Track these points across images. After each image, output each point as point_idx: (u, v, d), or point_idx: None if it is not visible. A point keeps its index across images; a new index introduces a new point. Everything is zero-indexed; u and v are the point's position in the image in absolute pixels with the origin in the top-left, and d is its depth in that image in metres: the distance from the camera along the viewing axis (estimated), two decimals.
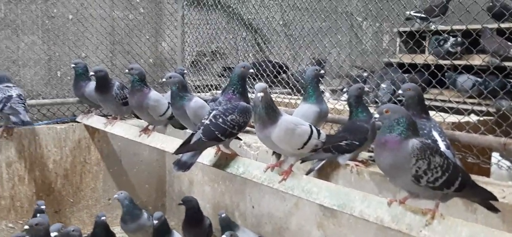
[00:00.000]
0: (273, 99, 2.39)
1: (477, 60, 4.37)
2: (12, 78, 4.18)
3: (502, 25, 3.73)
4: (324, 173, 2.88)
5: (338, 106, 3.65)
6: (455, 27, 3.83)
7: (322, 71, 3.04)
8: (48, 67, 4.71)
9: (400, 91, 2.61)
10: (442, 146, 2.35)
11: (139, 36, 5.16)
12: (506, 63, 4.21)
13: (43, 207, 3.59)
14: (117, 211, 4.11)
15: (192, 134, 2.58)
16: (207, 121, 2.55)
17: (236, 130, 2.58)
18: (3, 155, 4.18)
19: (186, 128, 3.47)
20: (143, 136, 3.54)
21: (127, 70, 3.41)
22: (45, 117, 4.64)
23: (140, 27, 5.17)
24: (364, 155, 2.99)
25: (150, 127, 3.56)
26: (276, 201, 3.56)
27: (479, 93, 4.16)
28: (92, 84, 3.99)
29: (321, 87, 3.56)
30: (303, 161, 2.84)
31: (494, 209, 1.98)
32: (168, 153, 3.72)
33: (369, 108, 2.89)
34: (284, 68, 4.95)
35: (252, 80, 4.16)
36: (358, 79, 3.70)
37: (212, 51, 5.39)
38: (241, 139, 3.38)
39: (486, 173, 2.84)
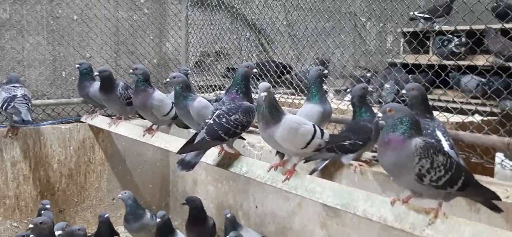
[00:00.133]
0: (277, 99, 2.39)
1: (481, 60, 4.36)
2: (20, 79, 4.20)
3: (506, 25, 3.72)
4: (327, 173, 2.89)
5: (342, 106, 3.65)
6: (459, 27, 3.83)
7: (326, 71, 3.04)
8: (53, 67, 4.73)
9: (403, 91, 2.62)
10: (445, 145, 2.35)
11: (143, 37, 5.17)
12: (510, 63, 4.20)
13: (48, 206, 3.61)
14: (121, 210, 4.12)
15: (196, 134, 2.59)
16: (210, 121, 2.56)
17: (239, 130, 2.58)
18: (8, 154, 4.20)
19: (190, 128, 3.48)
20: (147, 136, 3.55)
21: (131, 70, 3.42)
22: (50, 117, 4.66)
23: (144, 27, 5.19)
24: (367, 155, 3.00)
25: (154, 127, 3.57)
26: (280, 201, 3.57)
27: (483, 93, 4.15)
28: (96, 84, 4.01)
29: (325, 87, 3.56)
30: (306, 160, 2.85)
31: (497, 209, 1.98)
32: (172, 153, 3.74)
33: (372, 108, 2.90)
34: (288, 68, 4.95)
35: (255, 80, 4.17)
36: (361, 79, 3.69)
37: (216, 52, 5.40)
38: (244, 139, 3.39)
39: (490, 173, 2.84)
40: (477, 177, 2.18)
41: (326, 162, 2.89)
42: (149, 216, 3.76)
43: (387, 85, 4.23)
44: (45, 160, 4.38)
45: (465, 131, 2.82)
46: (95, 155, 4.62)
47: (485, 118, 3.06)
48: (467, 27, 3.28)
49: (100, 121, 4.30)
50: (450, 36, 4.89)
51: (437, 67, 3.33)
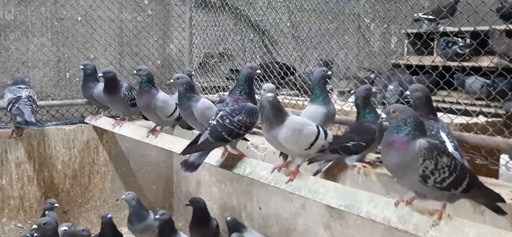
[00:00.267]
0: (280, 100, 2.39)
1: (485, 62, 4.34)
2: (25, 80, 4.22)
3: (511, 26, 3.71)
4: (331, 174, 2.88)
5: (346, 107, 3.65)
6: (464, 28, 3.82)
7: (329, 72, 3.04)
8: (57, 68, 4.75)
9: (407, 92, 2.61)
10: (450, 147, 2.34)
11: (147, 38, 5.19)
12: None
13: (56, 205, 3.64)
14: (125, 211, 4.13)
15: (199, 135, 2.59)
16: (214, 122, 2.56)
17: (243, 131, 2.58)
18: (13, 155, 4.22)
19: (194, 129, 3.48)
20: (151, 137, 3.55)
21: (135, 71, 3.43)
22: (54, 118, 4.68)
23: (148, 29, 5.20)
24: (371, 156, 2.99)
25: (158, 128, 3.58)
26: (283, 202, 3.56)
27: (488, 94, 4.13)
28: (100, 86, 4.02)
29: (328, 88, 3.56)
30: (310, 162, 2.84)
31: (501, 212, 1.97)
32: (175, 154, 3.74)
33: (376, 109, 2.89)
34: (292, 69, 4.95)
35: (259, 81, 4.17)
36: (365, 81, 3.69)
37: (219, 53, 5.41)
38: (248, 140, 3.39)
39: (495, 174, 2.83)
40: (482, 178, 2.17)
41: (330, 163, 2.88)
42: (152, 217, 3.76)
43: (391, 87, 4.23)
44: (49, 161, 4.40)
45: (469, 132, 2.81)
46: (99, 156, 4.63)
47: (489, 120, 3.05)
48: (472, 28, 3.26)
49: (104, 122, 4.31)
50: (455, 38, 4.87)
51: (441, 68, 3.32)
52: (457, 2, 5.02)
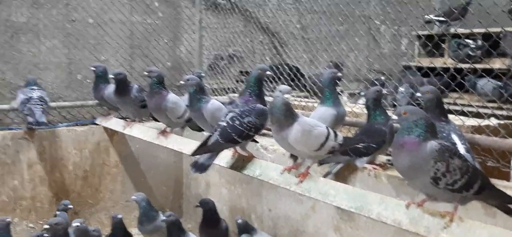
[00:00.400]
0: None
1: (497, 63, 4.31)
2: (38, 82, 4.26)
3: None
4: (341, 176, 2.87)
5: (356, 109, 3.64)
6: (475, 30, 3.79)
7: (340, 74, 3.03)
8: (69, 70, 4.79)
9: (418, 94, 2.60)
10: (461, 149, 2.32)
11: (157, 40, 5.21)
12: None
13: (70, 206, 3.68)
14: (135, 212, 4.14)
15: (209, 136, 2.59)
16: (224, 123, 2.56)
17: (252, 132, 2.58)
18: (25, 156, 4.25)
19: (204, 131, 3.49)
20: (161, 138, 3.56)
21: (145, 73, 3.45)
22: (66, 120, 4.71)
23: (158, 31, 5.23)
24: (382, 158, 2.98)
25: (168, 129, 3.59)
26: (293, 204, 3.56)
27: (500, 96, 4.10)
28: (111, 87, 4.04)
29: (339, 90, 3.54)
30: (320, 164, 2.84)
31: None
32: (185, 155, 3.75)
33: (387, 111, 2.88)
34: (300, 72, 4.94)
35: (268, 83, 4.17)
36: (376, 82, 3.67)
37: (229, 55, 5.42)
38: (257, 142, 3.39)
39: (506, 177, 2.80)
40: (493, 181, 2.15)
41: (340, 165, 2.87)
42: (162, 218, 3.77)
43: (401, 88, 4.20)
44: (60, 162, 4.43)
45: (481, 134, 2.79)
46: (110, 157, 4.65)
47: (501, 122, 3.03)
48: (483, 30, 3.24)
49: (115, 123, 4.33)
50: (467, 40, 4.84)
51: (452, 70, 3.30)
52: (468, 4, 4.98)
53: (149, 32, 5.16)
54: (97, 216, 4.61)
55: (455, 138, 2.40)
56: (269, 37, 5.35)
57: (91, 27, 4.85)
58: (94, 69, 4.19)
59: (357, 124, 3.26)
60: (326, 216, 3.26)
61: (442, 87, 3.33)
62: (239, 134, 2.53)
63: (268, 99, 2.77)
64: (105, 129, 4.56)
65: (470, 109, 3.17)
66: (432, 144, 1.84)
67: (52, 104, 4.52)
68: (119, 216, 3.75)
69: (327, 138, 2.34)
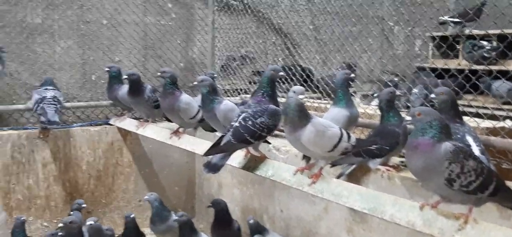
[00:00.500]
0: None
1: None
2: (54, 82, 4.31)
3: None
4: (354, 178, 2.86)
5: (369, 110, 3.62)
6: (490, 31, 3.75)
7: (352, 75, 3.02)
8: (83, 71, 4.84)
9: (432, 95, 2.58)
10: (476, 151, 2.30)
11: (170, 41, 5.24)
12: None
13: (84, 205, 3.71)
14: (148, 212, 4.16)
15: (222, 136, 2.60)
16: (236, 124, 2.57)
17: (265, 133, 2.58)
18: (40, 155, 4.30)
19: (216, 131, 3.50)
20: (174, 139, 3.58)
21: (159, 73, 3.47)
22: (80, 120, 4.76)
23: (171, 32, 5.26)
24: (395, 160, 2.96)
25: (181, 129, 3.61)
26: (305, 205, 3.55)
27: None
28: (125, 88, 4.07)
29: (352, 91, 3.53)
30: (333, 165, 2.83)
31: None
32: (198, 155, 3.77)
33: (400, 112, 2.86)
34: (308, 73, 4.92)
35: (280, 84, 4.17)
36: (389, 84, 3.65)
37: (241, 56, 5.43)
38: (270, 143, 3.39)
39: None
40: (509, 183, 2.12)
41: (353, 167, 2.87)
42: (174, 218, 3.78)
43: (415, 90, 4.17)
44: (74, 162, 4.47)
45: (496, 136, 2.76)
46: (123, 157, 4.69)
47: None
48: (499, 31, 3.20)
49: (128, 123, 4.36)
50: (482, 42, 4.79)
51: (467, 71, 3.27)
52: (483, 4, 4.93)
53: (162, 33, 5.19)
54: (110, 216, 4.65)
55: (469, 139, 2.38)
56: (282, 38, 5.35)
57: (105, 28, 4.90)
58: (108, 69, 4.23)
59: (370, 125, 3.24)
60: (339, 217, 3.25)
61: (456, 88, 3.29)
62: (252, 135, 2.53)
63: (280, 100, 2.76)
64: (119, 129, 4.60)
65: (485, 111, 3.14)
66: (447, 145, 1.83)
67: (67, 104, 4.57)
68: (132, 215, 3.78)
69: (340, 139, 2.33)
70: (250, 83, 5.23)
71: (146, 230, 4.01)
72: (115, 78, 4.22)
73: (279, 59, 5.33)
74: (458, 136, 2.37)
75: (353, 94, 3.81)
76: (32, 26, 4.57)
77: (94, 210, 4.57)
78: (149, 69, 5.09)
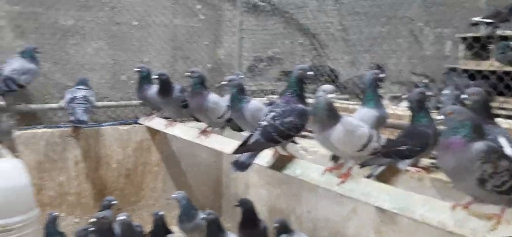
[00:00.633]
0: None
1: None
2: (87, 82, 4.41)
3: None
4: (383, 179, 2.82)
5: (399, 111, 3.58)
6: None
7: (382, 75, 3.00)
8: (113, 71, 4.93)
9: (464, 96, 2.54)
10: (509, 152, 2.26)
11: (198, 42, 5.29)
12: None
13: (114, 202, 3.78)
14: (176, 210, 4.22)
15: (250, 135, 2.61)
16: (265, 122, 2.58)
17: (293, 132, 2.59)
18: (72, 153, 4.40)
19: (243, 131, 3.52)
20: (202, 138, 3.62)
21: (187, 73, 3.51)
22: (111, 119, 4.85)
23: (199, 33, 5.31)
24: (425, 161, 2.92)
25: (209, 129, 3.64)
26: (333, 206, 3.54)
27: None
28: (154, 88, 4.13)
29: (381, 93, 3.50)
30: (362, 166, 2.81)
31: None
32: (225, 155, 3.80)
33: (431, 113, 2.82)
34: (334, 74, 4.89)
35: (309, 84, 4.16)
36: (419, 85, 3.61)
37: (268, 56, 5.44)
38: (297, 143, 3.39)
39: None
40: None
41: (382, 168, 2.83)
42: (202, 216, 3.82)
43: (446, 91, 4.11)
44: (104, 160, 4.56)
45: None
46: (152, 156, 4.75)
47: None
48: None
49: (157, 123, 4.43)
50: None
51: (500, 72, 3.20)
52: None
53: (190, 34, 5.24)
54: (139, 213, 4.71)
55: (502, 141, 2.34)
56: (309, 39, 5.34)
57: (135, 30, 4.98)
58: (138, 70, 4.31)
59: (400, 126, 3.21)
60: (367, 218, 3.22)
61: (489, 89, 3.23)
62: (280, 134, 2.54)
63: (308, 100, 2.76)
64: (148, 128, 4.67)
65: None
66: (479, 144, 1.80)
67: (98, 103, 4.65)
68: (161, 213, 3.83)
69: (369, 139, 2.32)
70: (279, 80, 5.22)
71: (174, 228, 4.06)
72: (145, 78, 4.30)
73: (306, 59, 5.32)
74: (490, 137, 2.32)
75: (381, 96, 3.78)
76: (65, 27, 4.68)
77: (123, 208, 4.63)
78: (178, 69, 5.15)
